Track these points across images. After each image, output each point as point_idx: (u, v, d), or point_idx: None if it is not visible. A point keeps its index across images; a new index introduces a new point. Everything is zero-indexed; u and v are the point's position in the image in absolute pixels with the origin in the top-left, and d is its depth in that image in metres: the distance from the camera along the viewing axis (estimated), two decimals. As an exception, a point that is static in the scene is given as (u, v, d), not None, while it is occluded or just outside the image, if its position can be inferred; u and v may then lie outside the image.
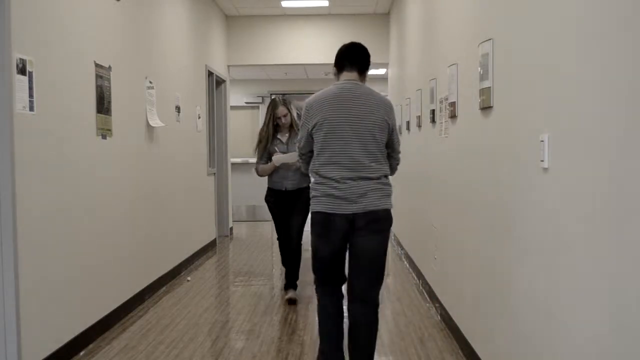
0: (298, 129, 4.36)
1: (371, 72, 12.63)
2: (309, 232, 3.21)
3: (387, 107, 3.07)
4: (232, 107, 10.08)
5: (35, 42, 3.29)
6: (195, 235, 6.92)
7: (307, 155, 3.15)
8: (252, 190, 9.25)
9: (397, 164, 3.24)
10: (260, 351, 3.82)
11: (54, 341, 3.47)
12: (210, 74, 7.81)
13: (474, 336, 3.50)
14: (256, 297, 5.16)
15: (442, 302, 4.39)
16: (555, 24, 2.22)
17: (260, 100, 12.18)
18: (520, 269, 2.63)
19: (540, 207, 2.37)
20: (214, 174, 8.16)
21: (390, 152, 3.13)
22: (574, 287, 2.06)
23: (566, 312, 2.13)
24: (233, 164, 9.49)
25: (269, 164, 4.97)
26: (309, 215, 3.21)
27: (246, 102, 12.23)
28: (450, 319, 4.05)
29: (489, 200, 3.15)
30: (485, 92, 3.14)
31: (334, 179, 2.96)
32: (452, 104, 3.98)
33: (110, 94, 4.29)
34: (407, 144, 6.64)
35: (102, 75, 4.17)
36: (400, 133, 7.24)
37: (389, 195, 3.05)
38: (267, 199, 5.13)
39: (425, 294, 5.15)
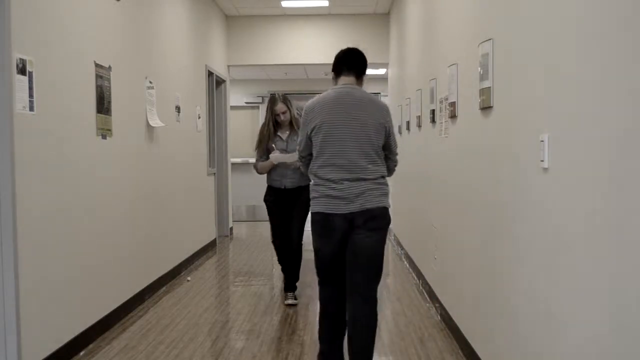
0: (298, 127, 4.35)
1: (371, 72, 12.63)
2: (309, 232, 3.26)
3: (384, 111, 3.16)
4: (232, 107, 10.08)
5: (35, 42, 3.29)
6: (195, 235, 6.92)
7: (307, 158, 3.24)
8: (252, 190, 9.24)
9: (395, 166, 3.32)
10: (260, 351, 3.82)
11: (54, 341, 3.47)
12: (210, 74, 7.81)
13: (474, 336, 3.50)
14: (256, 297, 5.17)
15: (442, 302, 4.39)
16: (555, 24, 2.22)
17: (260, 100, 12.18)
18: (520, 269, 2.63)
19: (540, 207, 2.37)
20: (214, 174, 8.17)
21: (388, 154, 3.21)
22: (574, 287, 2.06)
23: (566, 312, 2.13)
24: (233, 164, 9.49)
25: (267, 161, 4.94)
26: (309, 216, 3.27)
27: (246, 102, 12.23)
28: (450, 319, 4.05)
29: (489, 200, 3.15)
30: (485, 92, 3.14)
31: (331, 180, 3.04)
32: (452, 104, 3.98)
33: (110, 94, 4.29)
34: (407, 144, 6.64)
35: (102, 75, 4.17)
36: (400, 133, 7.24)
37: (386, 194, 3.11)
38: (266, 198, 5.08)
39: (425, 294, 5.15)
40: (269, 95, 5.11)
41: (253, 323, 4.42)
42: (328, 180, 3.05)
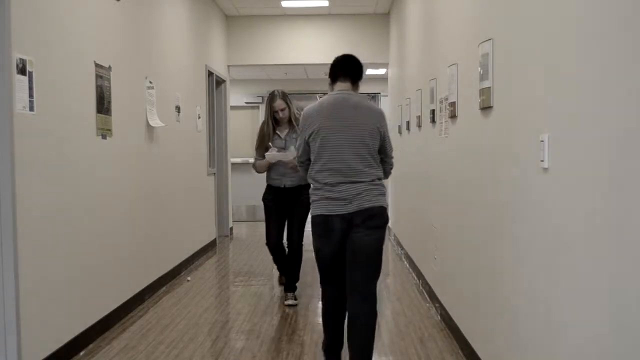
0: (297, 124, 4.33)
1: (371, 72, 12.57)
2: (309, 232, 3.32)
3: (379, 116, 3.26)
4: (232, 107, 10.08)
5: (35, 42, 3.29)
6: (195, 235, 6.92)
7: (306, 163, 3.33)
8: (252, 190, 9.21)
9: (391, 169, 3.40)
10: (260, 351, 3.82)
11: (54, 341, 3.47)
12: (210, 74, 7.81)
13: (474, 336, 3.50)
14: (256, 297, 5.16)
15: (442, 302, 4.39)
16: (555, 24, 2.22)
17: (260, 100, 12.18)
18: (520, 269, 2.63)
19: (540, 207, 2.37)
20: (214, 174, 8.17)
21: (384, 157, 3.30)
22: (574, 287, 2.06)
23: (566, 312, 2.13)
24: (233, 164, 9.49)
25: (264, 160, 4.85)
26: (310, 218, 3.36)
27: (246, 102, 12.23)
28: (450, 319, 4.05)
29: (489, 200, 3.15)
30: (485, 92, 3.14)
31: (329, 184, 3.15)
32: (452, 104, 3.98)
33: (110, 94, 4.29)
34: (407, 144, 6.64)
35: (102, 75, 4.17)
36: (400, 133, 7.25)
37: (383, 194, 3.20)
38: (264, 197, 5.00)
39: (425, 294, 5.15)
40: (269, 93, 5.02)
41: (253, 323, 4.42)
42: (326, 184, 3.15)
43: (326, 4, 8.01)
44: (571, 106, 2.08)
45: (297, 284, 5.05)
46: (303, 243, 5.01)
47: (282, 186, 4.88)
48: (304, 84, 12.06)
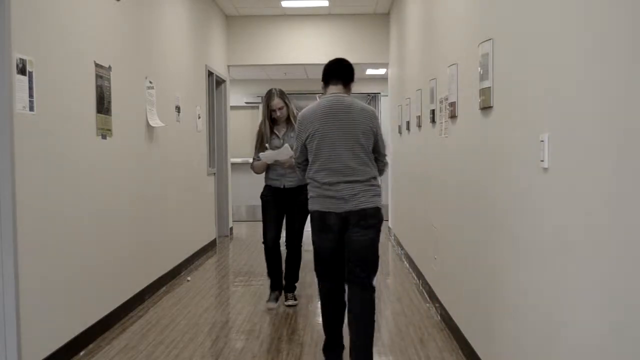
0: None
1: (371, 72, 12.54)
2: (309, 232, 3.40)
3: (372, 116, 3.40)
4: (232, 107, 10.08)
5: (35, 42, 3.29)
6: (195, 235, 6.92)
7: (303, 164, 3.48)
8: (252, 190, 9.19)
9: (384, 166, 3.52)
10: (260, 351, 3.82)
11: (54, 341, 3.47)
12: (210, 74, 7.81)
13: (474, 336, 3.50)
14: (256, 297, 5.16)
15: (442, 302, 4.39)
16: (555, 24, 2.22)
17: (260, 100, 12.13)
18: (520, 268, 2.63)
19: (540, 207, 2.37)
20: (214, 174, 8.17)
21: (377, 156, 3.43)
22: (574, 287, 2.06)
23: (566, 312, 2.13)
24: (233, 164, 9.49)
25: (261, 160, 4.70)
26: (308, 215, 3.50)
27: (246, 102, 12.23)
28: (450, 319, 4.05)
29: (489, 200, 3.15)
30: (485, 92, 3.14)
31: (328, 183, 3.29)
32: (452, 104, 3.98)
33: (110, 94, 4.30)
34: (407, 144, 6.64)
35: (102, 75, 4.17)
36: (400, 133, 7.25)
37: (378, 195, 3.36)
38: (263, 194, 4.85)
39: (425, 294, 5.15)
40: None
41: (253, 323, 4.42)
42: (325, 183, 3.30)
43: (326, 4, 8.01)
44: (571, 106, 2.08)
45: (296, 284, 5.03)
46: (302, 244, 4.99)
47: (282, 187, 4.77)
48: (303, 84, 12.05)
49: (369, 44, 8.59)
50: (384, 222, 9.43)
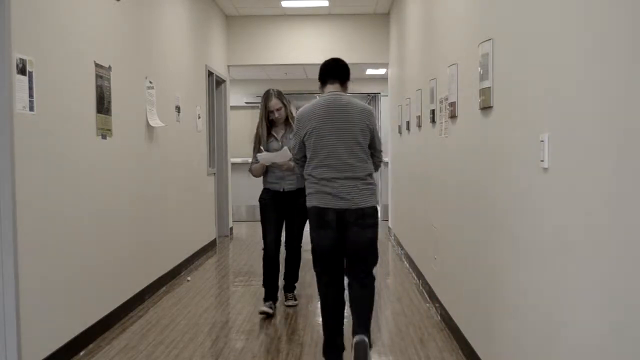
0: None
1: (371, 72, 12.51)
2: (308, 233, 3.41)
3: (368, 113, 3.50)
4: (232, 107, 10.08)
5: (35, 42, 3.29)
6: (195, 235, 6.92)
7: (302, 160, 3.59)
8: (252, 190, 9.17)
9: (380, 162, 3.64)
10: (260, 351, 3.82)
11: (54, 341, 3.47)
12: (210, 74, 7.81)
13: (474, 336, 3.50)
14: (256, 297, 5.16)
15: (442, 302, 4.39)
16: (556, 23, 2.22)
17: (260, 100, 12.17)
18: (520, 268, 2.63)
19: (540, 207, 2.37)
20: (214, 174, 8.17)
21: (373, 152, 3.53)
22: (574, 287, 2.06)
23: (566, 312, 2.13)
24: (233, 164, 9.50)
25: (258, 163, 4.55)
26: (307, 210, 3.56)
27: (246, 102, 12.23)
28: (450, 319, 4.05)
29: (489, 200, 3.15)
30: (485, 92, 3.14)
31: (326, 179, 3.39)
32: (452, 104, 3.98)
33: (110, 94, 4.30)
34: (407, 144, 6.64)
35: (102, 75, 4.17)
36: (400, 133, 7.25)
37: (374, 194, 3.49)
38: (261, 198, 4.70)
39: (425, 294, 5.15)
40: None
41: (253, 323, 4.42)
42: (323, 179, 3.39)
43: (326, 4, 8.01)
44: (571, 106, 2.08)
45: (296, 284, 5.03)
46: (302, 245, 4.97)
47: (282, 190, 4.62)
48: (303, 84, 12.06)
49: (369, 44, 8.59)
50: (384, 222, 9.45)
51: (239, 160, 10.14)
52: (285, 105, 4.61)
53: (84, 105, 3.91)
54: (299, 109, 3.73)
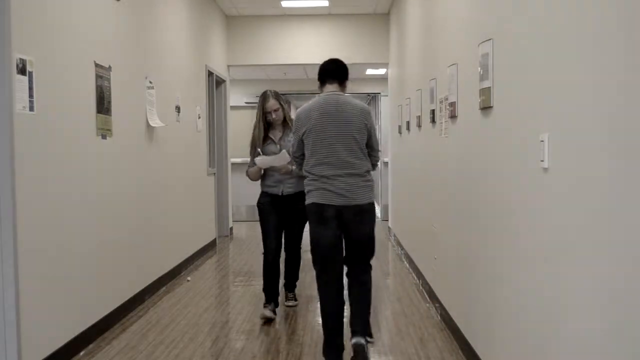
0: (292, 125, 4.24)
1: (371, 72, 12.51)
2: (307, 233, 3.44)
3: (365, 113, 3.58)
4: (232, 107, 10.08)
5: (35, 42, 3.29)
6: (195, 235, 6.92)
7: (300, 157, 3.66)
8: (252, 190, 9.15)
9: (377, 161, 3.70)
10: (260, 351, 3.82)
11: (54, 341, 3.47)
12: (210, 74, 7.81)
13: (474, 336, 3.50)
14: (256, 297, 5.16)
15: (442, 302, 4.39)
16: (556, 24, 2.22)
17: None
18: (520, 269, 2.63)
19: (540, 207, 2.37)
20: (214, 174, 8.17)
21: (370, 151, 3.60)
22: (574, 287, 2.06)
23: (566, 312, 2.13)
24: (233, 164, 9.50)
25: (255, 167, 4.45)
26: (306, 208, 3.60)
27: (246, 102, 12.22)
28: (450, 319, 4.05)
29: (489, 200, 3.15)
30: (485, 92, 3.14)
31: (325, 177, 3.46)
32: (452, 104, 3.98)
33: (110, 94, 4.30)
34: (407, 144, 6.64)
35: (102, 75, 4.17)
36: (400, 133, 7.24)
37: (372, 190, 3.58)
38: (260, 201, 4.60)
39: (425, 294, 5.15)
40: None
41: (253, 323, 4.42)
42: (322, 176, 3.47)
43: (326, 4, 8.01)
44: (571, 106, 2.08)
45: (297, 283, 5.02)
46: (301, 245, 4.95)
47: (280, 193, 4.50)
48: (303, 84, 12.06)
49: (369, 44, 8.59)
50: (384, 222, 9.45)
51: (239, 160, 10.13)
52: (282, 107, 4.50)
53: (84, 105, 3.91)
54: (298, 108, 3.75)
